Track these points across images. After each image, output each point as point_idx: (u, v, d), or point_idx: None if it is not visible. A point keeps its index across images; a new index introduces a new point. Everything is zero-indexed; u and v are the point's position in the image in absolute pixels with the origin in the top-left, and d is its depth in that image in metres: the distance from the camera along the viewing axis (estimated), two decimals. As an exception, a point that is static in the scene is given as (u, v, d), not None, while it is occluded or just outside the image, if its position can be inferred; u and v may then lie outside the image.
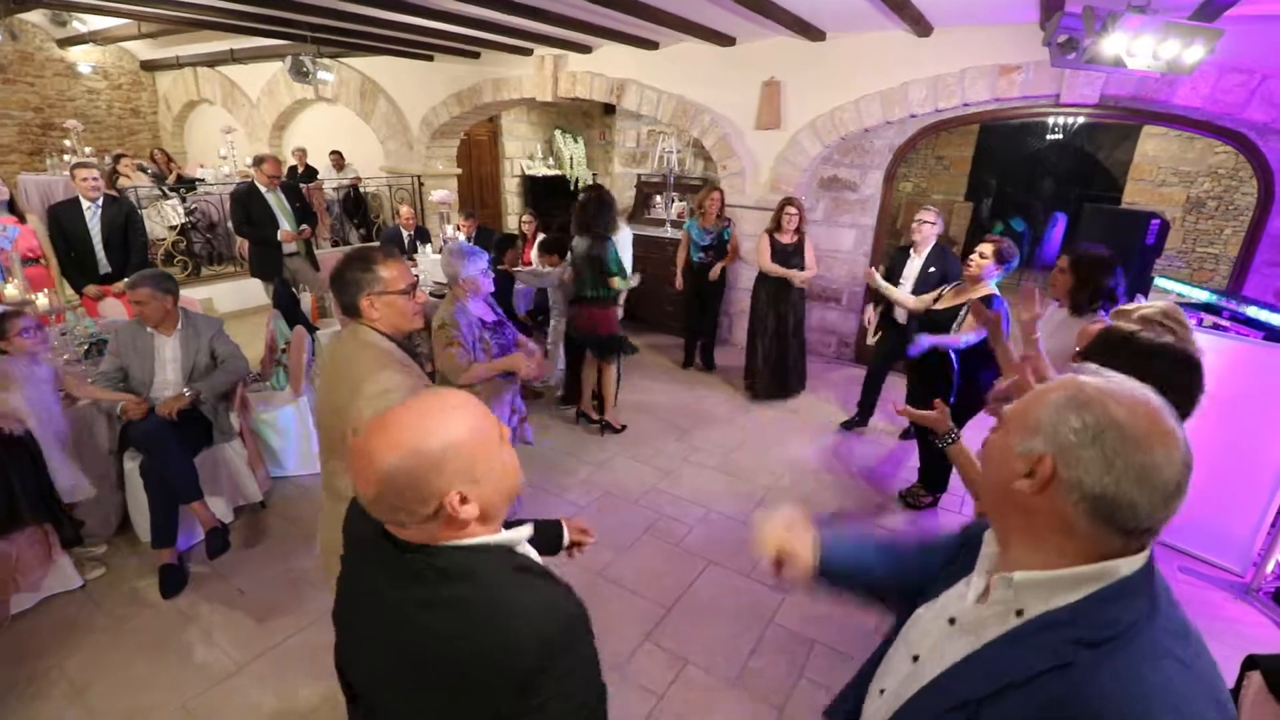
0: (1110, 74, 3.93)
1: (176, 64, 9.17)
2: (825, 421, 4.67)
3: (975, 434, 3.68)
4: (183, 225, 6.87)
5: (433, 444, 0.84)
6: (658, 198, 7.07)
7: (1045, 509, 0.74)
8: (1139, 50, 2.69)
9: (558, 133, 9.81)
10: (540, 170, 9.54)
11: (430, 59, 7.01)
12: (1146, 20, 2.68)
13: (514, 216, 9.47)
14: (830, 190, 5.73)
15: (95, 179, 4.13)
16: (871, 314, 4.30)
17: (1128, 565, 0.73)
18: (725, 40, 5.18)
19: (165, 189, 7.07)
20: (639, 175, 7.32)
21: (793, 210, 4.50)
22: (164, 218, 6.84)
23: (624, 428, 4.30)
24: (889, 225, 5.82)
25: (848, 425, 4.55)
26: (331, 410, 1.69)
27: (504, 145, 9.33)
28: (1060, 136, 9.05)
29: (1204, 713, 0.68)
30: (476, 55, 6.59)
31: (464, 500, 0.86)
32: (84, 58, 9.14)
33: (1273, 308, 3.21)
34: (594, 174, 10.11)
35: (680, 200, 6.92)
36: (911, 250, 4.05)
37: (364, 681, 1.00)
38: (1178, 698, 0.68)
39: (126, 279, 3.21)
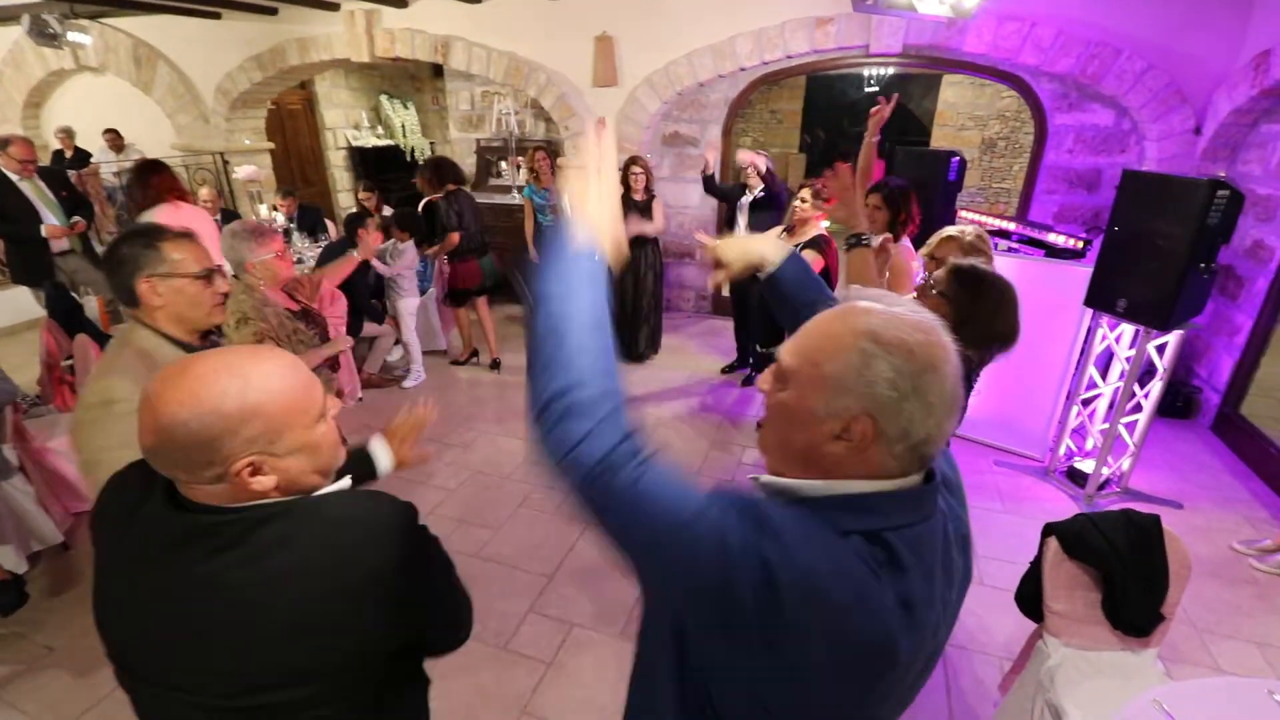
0: (909, 22, 4.27)
1: None
2: (688, 374, 4.80)
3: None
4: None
5: (230, 404, 0.73)
6: (502, 163, 6.77)
7: (856, 461, 0.68)
8: (927, -5, 2.92)
9: (384, 98, 9.04)
10: (369, 140, 8.77)
11: (218, 17, 6.09)
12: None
13: (346, 193, 8.69)
14: (674, 146, 5.80)
15: None
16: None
17: (859, 485, 0.69)
18: (552, -9, 4.98)
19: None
20: (477, 140, 6.96)
21: (638, 170, 4.48)
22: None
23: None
24: (732, 179, 6.00)
25: (728, 370, 4.82)
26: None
27: (323, 114, 8.43)
28: (877, 89, 9.78)
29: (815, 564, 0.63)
30: (274, 12, 5.84)
31: (256, 471, 0.75)
32: None
33: (1051, 229, 3.71)
34: (431, 142, 9.49)
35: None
36: (745, 187, 4.47)
37: (165, 671, 0.81)
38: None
39: None
